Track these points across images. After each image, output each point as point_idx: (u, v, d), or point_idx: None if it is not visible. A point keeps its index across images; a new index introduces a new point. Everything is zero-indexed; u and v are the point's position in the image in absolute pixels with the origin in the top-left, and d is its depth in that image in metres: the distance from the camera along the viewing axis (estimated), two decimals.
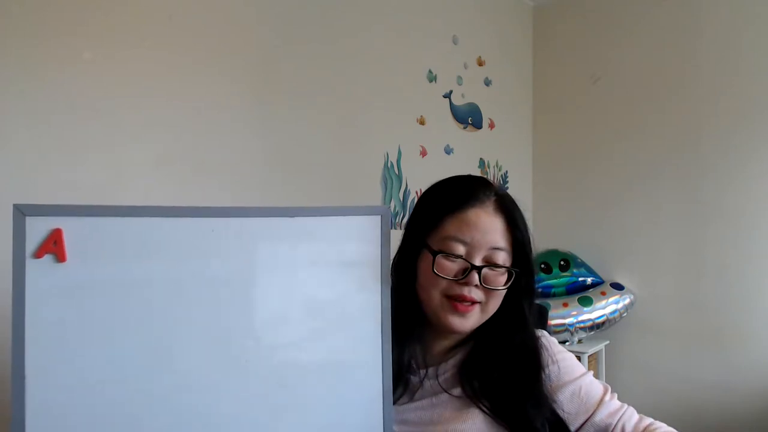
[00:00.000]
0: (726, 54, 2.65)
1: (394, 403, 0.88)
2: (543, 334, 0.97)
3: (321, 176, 2.07)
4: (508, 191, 0.95)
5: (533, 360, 0.91)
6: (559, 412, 0.90)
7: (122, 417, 0.72)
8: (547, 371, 0.91)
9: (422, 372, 0.93)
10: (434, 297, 0.88)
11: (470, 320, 0.88)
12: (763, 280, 2.56)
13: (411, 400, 0.91)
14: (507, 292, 0.90)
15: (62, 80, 1.42)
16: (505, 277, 0.88)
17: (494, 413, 0.87)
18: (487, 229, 0.87)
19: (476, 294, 0.87)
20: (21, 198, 1.29)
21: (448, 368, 0.93)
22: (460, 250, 0.86)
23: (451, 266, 0.86)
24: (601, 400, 0.91)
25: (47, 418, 0.68)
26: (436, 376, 0.92)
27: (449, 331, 0.90)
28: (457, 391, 0.89)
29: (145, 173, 1.58)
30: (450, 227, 0.87)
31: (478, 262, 0.86)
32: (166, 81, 1.63)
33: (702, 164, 2.71)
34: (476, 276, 0.85)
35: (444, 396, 0.90)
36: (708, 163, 2.69)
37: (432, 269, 0.86)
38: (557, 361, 0.92)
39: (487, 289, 0.87)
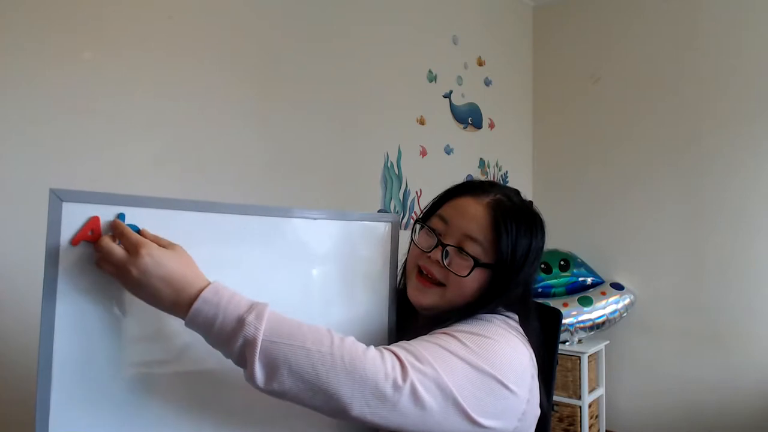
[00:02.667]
0: (726, 54, 2.65)
1: None
2: (495, 323, 0.87)
3: (321, 176, 2.07)
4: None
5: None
6: None
7: (154, 406, 0.73)
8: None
9: None
10: (410, 265, 0.94)
11: (426, 296, 0.90)
12: (763, 280, 2.56)
13: None
14: (480, 294, 0.88)
15: (62, 80, 1.42)
16: (468, 269, 0.87)
17: None
18: (468, 215, 0.89)
19: (437, 271, 0.89)
20: (21, 198, 1.30)
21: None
22: (440, 227, 0.91)
23: (427, 239, 0.92)
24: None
25: (74, 408, 0.67)
26: None
27: (411, 302, 0.93)
28: None
29: (145, 173, 1.58)
30: (443, 209, 0.94)
31: (448, 242, 0.89)
32: (167, 81, 1.63)
33: (702, 164, 2.71)
34: (440, 253, 0.88)
35: None
36: (708, 163, 2.69)
37: (413, 238, 0.95)
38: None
39: (450, 272, 0.88)
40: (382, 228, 0.94)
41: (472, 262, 0.87)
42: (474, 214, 0.89)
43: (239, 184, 1.81)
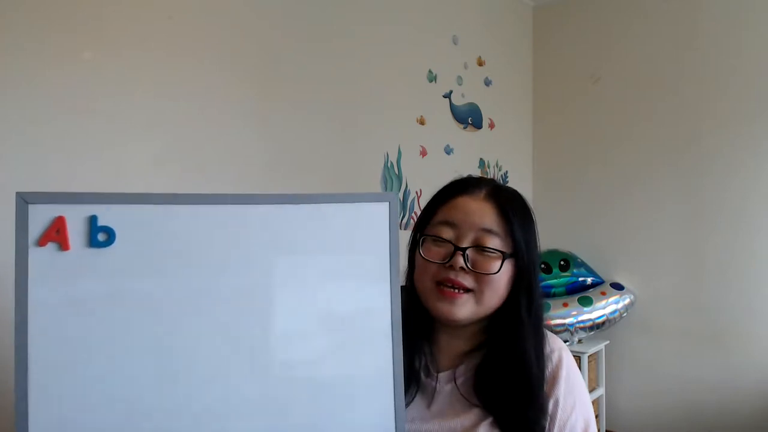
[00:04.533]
0: (726, 54, 2.65)
1: (407, 404, 0.84)
2: (562, 348, 0.92)
3: (321, 176, 2.07)
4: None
5: (538, 373, 0.85)
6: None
7: (124, 410, 0.71)
8: (555, 394, 0.86)
9: (437, 375, 0.89)
10: (425, 284, 0.86)
11: (461, 308, 0.84)
12: (763, 280, 2.56)
13: (428, 407, 0.88)
14: (510, 289, 0.86)
15: (62, 80, 1.42)
16: (497, 263, 0.83)
17: (501, 424, 0.83)
18: (474, 211, 0.85)
19: (465, 279, 0.83)
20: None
21: (464, 372, 0.89)
22: (448, 233, 0.85)
23: (438, 250, 0.85)
24: None
25: (51, 408, 0.67)
26: (454, 380, 0.88)
27: (443, 320, 0.87)
28: (474, 399, 0.86)
29: (145, 173, 1.58)
30: (440, 214, 0.88)
31: (465, 244, 0.84)
32: (167, 81, 1.63)
33: (702, 164, 2.71)
34: (461, 258, 0.82)
35: (461, 404, 0.86)
36: (708, 163, 2.69)
37: (421, 254, 0.86)
38: (573, 389, 0.88)
39: (478, 274, 0.83)
40: (378, 209, 0.80)
41: (497, 256, 0.83)
42: (479, 209, 0.85)
43: (239, 184, 1.81)
